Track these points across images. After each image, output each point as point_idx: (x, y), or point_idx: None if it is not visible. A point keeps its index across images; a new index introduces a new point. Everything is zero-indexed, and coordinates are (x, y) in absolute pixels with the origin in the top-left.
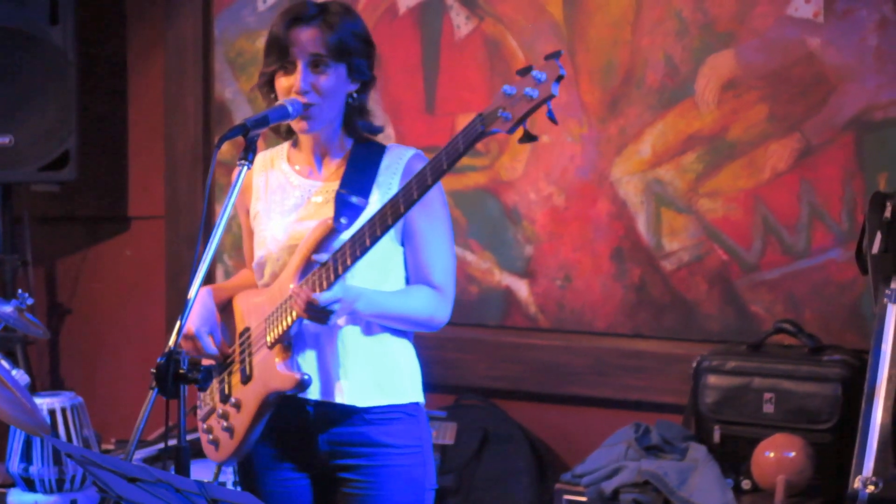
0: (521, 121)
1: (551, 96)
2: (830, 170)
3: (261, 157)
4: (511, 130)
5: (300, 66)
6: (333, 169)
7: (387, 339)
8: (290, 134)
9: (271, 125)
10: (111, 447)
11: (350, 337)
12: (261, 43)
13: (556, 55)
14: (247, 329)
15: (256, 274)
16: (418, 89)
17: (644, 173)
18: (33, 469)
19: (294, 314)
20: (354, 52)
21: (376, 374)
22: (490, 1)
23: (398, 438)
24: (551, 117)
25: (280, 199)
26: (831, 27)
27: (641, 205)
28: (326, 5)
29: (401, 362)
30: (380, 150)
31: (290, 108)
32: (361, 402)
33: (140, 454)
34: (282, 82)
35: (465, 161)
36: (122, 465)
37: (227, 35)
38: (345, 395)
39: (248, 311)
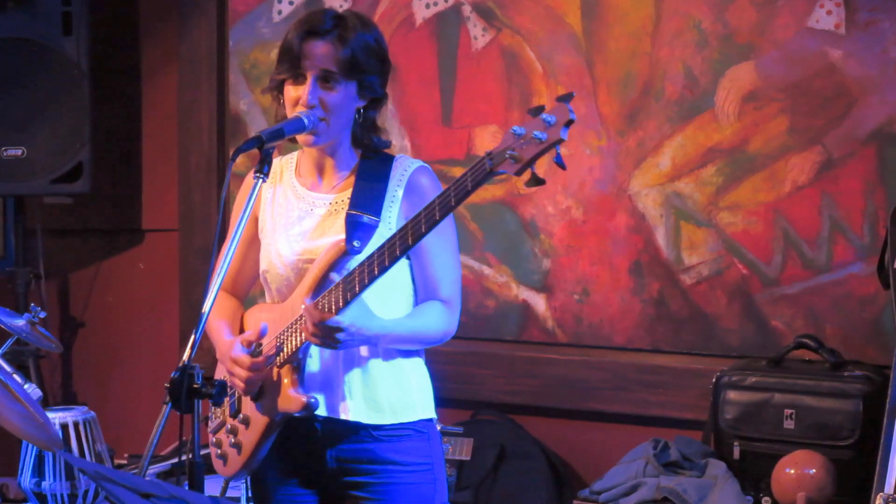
0: (529, 164)
1: (560, 140)
2: (852, 183)
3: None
4: (518, 173)
5: (309, 79)
6: (337, 181)
7: (397, 357)
8: None
9: (287, 137)
10: (124, 462)
11: (359, 355)
12: (276, 54)
13: (567, 98)
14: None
15: (264, 287)
16: (435, 101)
17: (663, 186)
18: (46, 484)
19: (303, 336)
20: (366, 69)
21: (385, 392)
22: (507, 12)
23: (407, 456)
24: (559, 163)
25: (285, 211)
26: (853, 39)
27: (660, 218)
28: (344, 18)
29: (411, 380)
30: (388, 161)
31: (305, 121)
32: (368, 419)
33: (153, 469)
34: (290, 92)
35: None
36: (135, 480)
37: (242, 46)
38: (351, 413)
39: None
